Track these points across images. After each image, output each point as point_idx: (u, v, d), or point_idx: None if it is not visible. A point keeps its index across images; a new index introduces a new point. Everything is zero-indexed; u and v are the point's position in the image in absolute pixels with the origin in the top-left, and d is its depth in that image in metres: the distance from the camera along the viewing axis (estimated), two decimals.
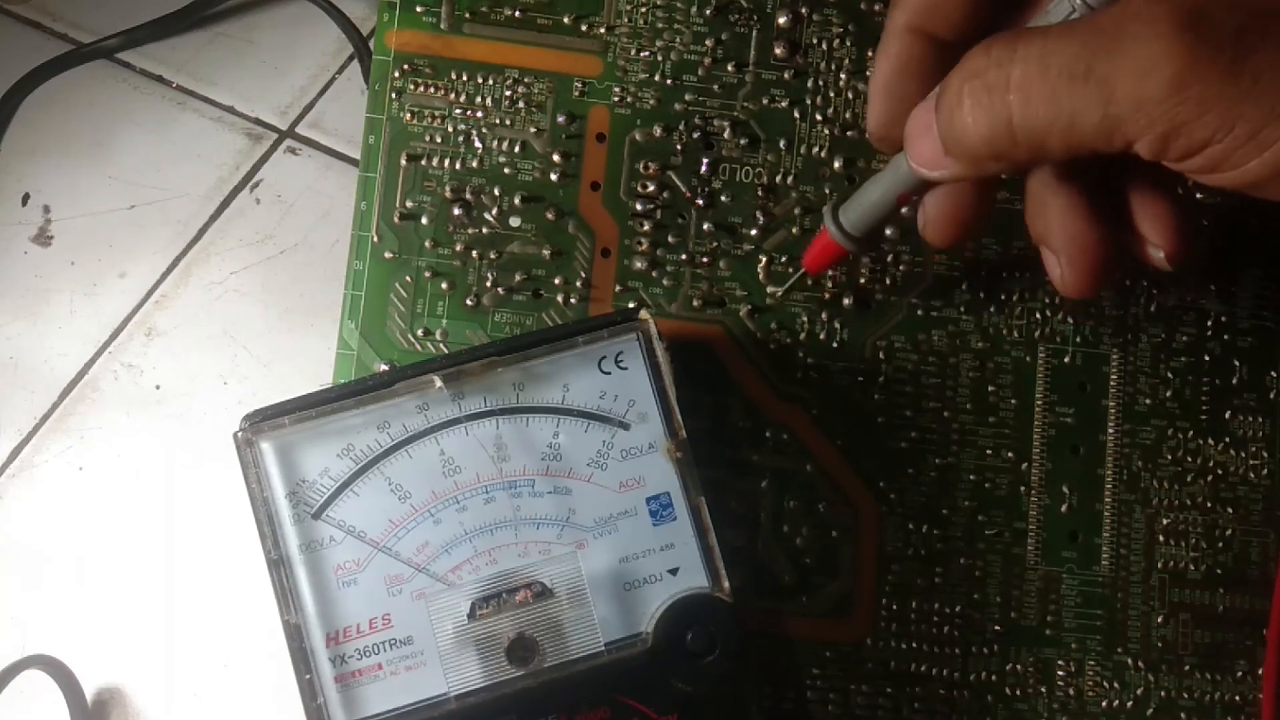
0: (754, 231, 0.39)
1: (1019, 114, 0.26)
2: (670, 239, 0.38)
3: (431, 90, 0.38)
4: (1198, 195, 0.39)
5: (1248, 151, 0.24)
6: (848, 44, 0.39)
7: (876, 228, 0.34)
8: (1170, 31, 0.24)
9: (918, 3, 0.32)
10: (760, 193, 0.39)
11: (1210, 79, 0.24)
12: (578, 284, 0.38)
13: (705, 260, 0.38)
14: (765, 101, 0.39)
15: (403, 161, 0.38)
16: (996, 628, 0.38)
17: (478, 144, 0.38)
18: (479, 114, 0.39)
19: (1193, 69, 0.24)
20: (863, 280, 0.39)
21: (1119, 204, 0.31)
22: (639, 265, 0.38)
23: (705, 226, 0.39)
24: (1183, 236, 0.31)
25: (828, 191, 0.39)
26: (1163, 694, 0.38)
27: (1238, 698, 0.38)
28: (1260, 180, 0.25)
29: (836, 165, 0.39)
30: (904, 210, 0.34)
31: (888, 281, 0.39)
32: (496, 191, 0.38)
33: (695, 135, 0.39)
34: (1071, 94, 0.25)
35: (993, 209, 0.34)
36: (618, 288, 0.38)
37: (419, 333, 0.38)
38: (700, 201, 0.39)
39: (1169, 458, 0.39)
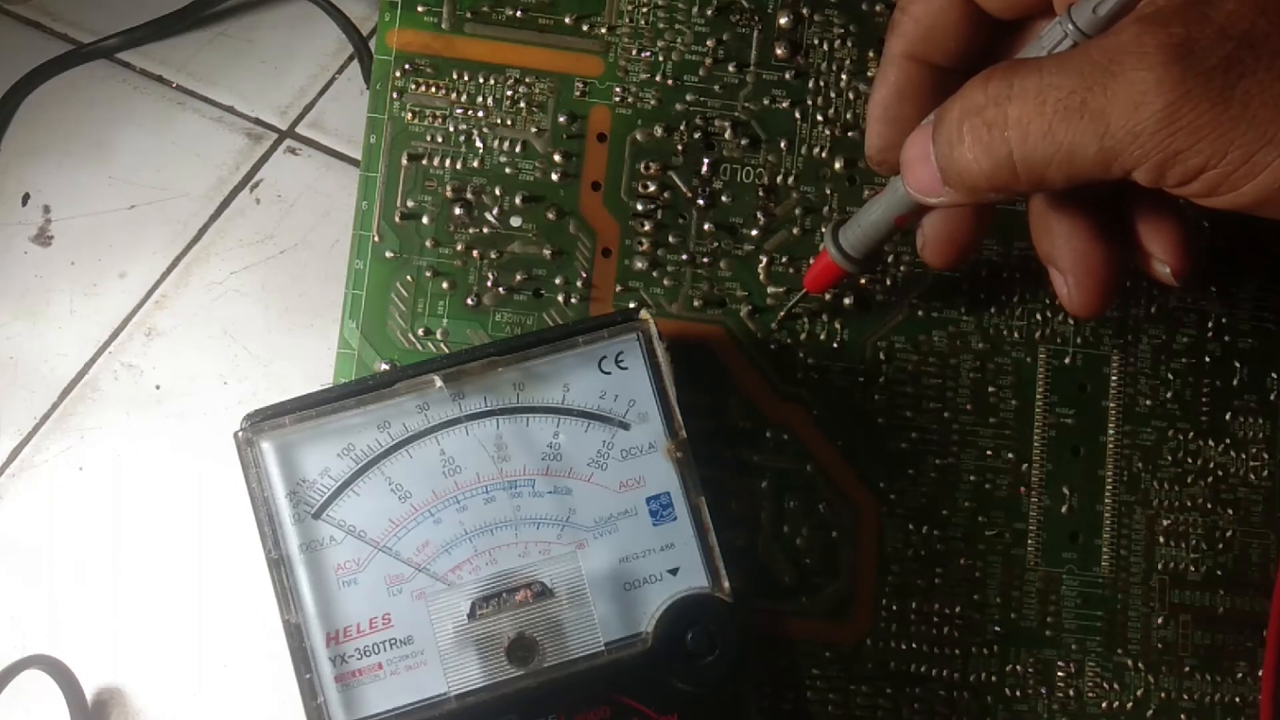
0: (755, 232, 0.39)
1: (1019, 150, 0.26)
2: (671, 239, 0.38)
3: (433, 90, 0.38)
4: None
5: (1242, 175, 0.25)
6: (849, 45, 0.39)
7: (876, 249, 0.35)
8: (1161, 63, 0.24)
9: (915, 31, 0.32)
10: (761, 193, 0.39)
11: (1202, 108, 0.24)
12: (578, 284, 0.38)
13: (706, 260, 0.38)
14: (766, 102, 0.39)
15: (404, 161, 0.38)
16: (996, 628, 0.38)
17: (479, 144, 0.38)
18: (480, 114, 0.39)
19: (1184, 99, 0.24)
20: (864, 281, 0.39)
21: (1124, 221, 0.32)
22: (640, 265, 0.38)
23: (706, 226, 0.39)
24: (1188, 252, 0.31)
25: (828, 192, 0.39)
26: (1163, 695, 0.38)
27: (1237, 699, 0.38)
28: (1256, 202, 0.25)
29: (837, 166, 0.39)
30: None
31: (888, 282, 0.39)
32: (497, 191, 0.38)
33: (696, 135, 0.39)
34: (1068, 128, 0.26)
35: (990, 228, 0.35)
36: (618, 288, 0.38)
37: (419, 332, 0.38)
38: (701, 201, 0.39)
39: (1169, 459, 0.39)
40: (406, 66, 0.38)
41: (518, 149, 0.38)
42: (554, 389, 0.34)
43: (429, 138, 0.38)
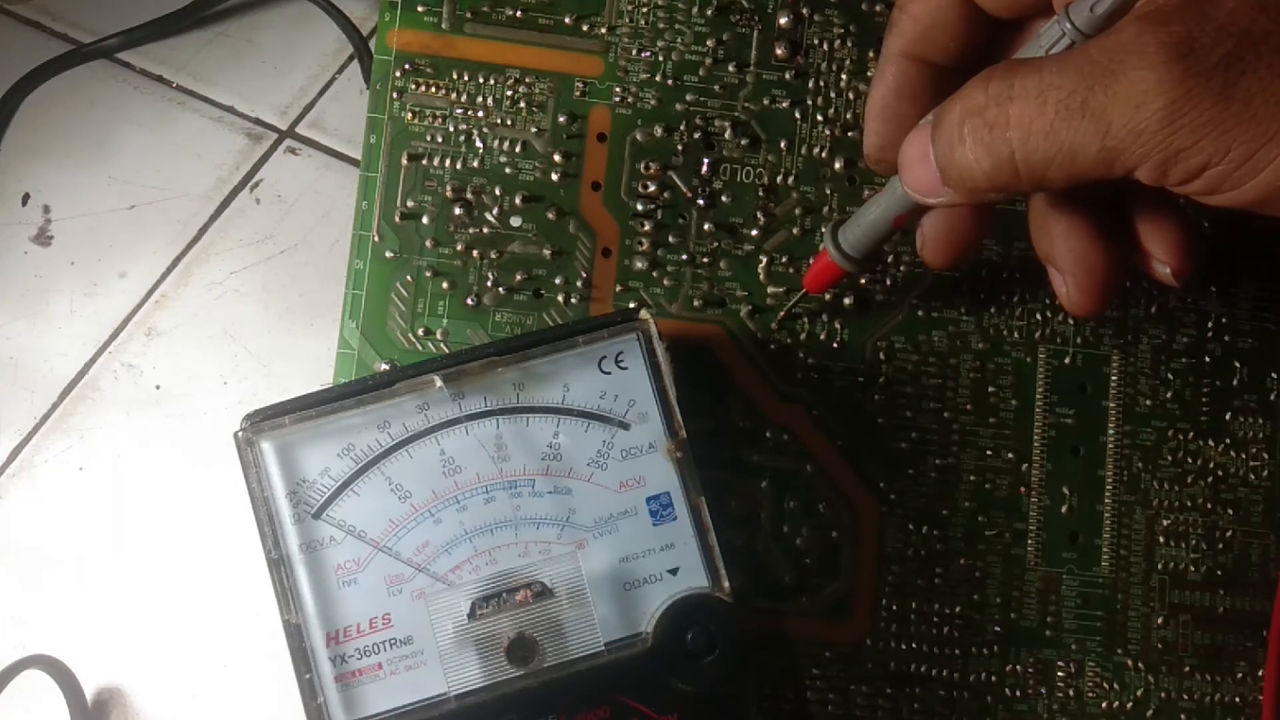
0: (755, 232, 0.39)
1: (1020, 150, 0.26)
2: (671, 239, 0.38)
3: (433, 90, 0.38)
4: None
5: (1245, 173, 0.25)
6: (849, 45, 0.39)
7: (875, 249, 0.35)
8: (1162, 62, 0.24)
9: (913, 30, 0.32)
10: (761, 193, 0.39)
11: (1204, 106, 0.24)
12: (578, 284, 0.38)
13: (706, 260, 0.38)
14: (766, 102, 0.39)
15: (404, 161, 0.38)
16: (996, 628, 0.38)
17: (479, 144, 0.38)
18: (480, 114, 0.39)
19: (1186, 98, 0.24)
20: (864, 281, 0.39)
21: (1124, 221, 0.32)
22: (640, 265, 0.38)
23: (706, 226, 0.39)
24: (1189, 253, 0.31)
25: (828, 192, 0.39)
26: (1162, 695, 0.38)
27: (1237, 699, 0.38)
28: (1259, 200, 0.25)
29: (837, 166, 0.39)
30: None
31: (888, 282, 0.39)
32: (497, 191, 0.38)
33: (696, 135, 0.39)
34: (1070, 128, 0.26)
35: (990, 227, 0.35)
36: (618, 288, 0.38)
37: (419, 332, 0.38)
38: (701, 201, 0.39)
39: (1169, 459, 0.39)
40: (406, 66, 0.38)
41: (518, 149, 0.38)
42: (554, 389, 0.34)
43: (429, 138, 0.38)
